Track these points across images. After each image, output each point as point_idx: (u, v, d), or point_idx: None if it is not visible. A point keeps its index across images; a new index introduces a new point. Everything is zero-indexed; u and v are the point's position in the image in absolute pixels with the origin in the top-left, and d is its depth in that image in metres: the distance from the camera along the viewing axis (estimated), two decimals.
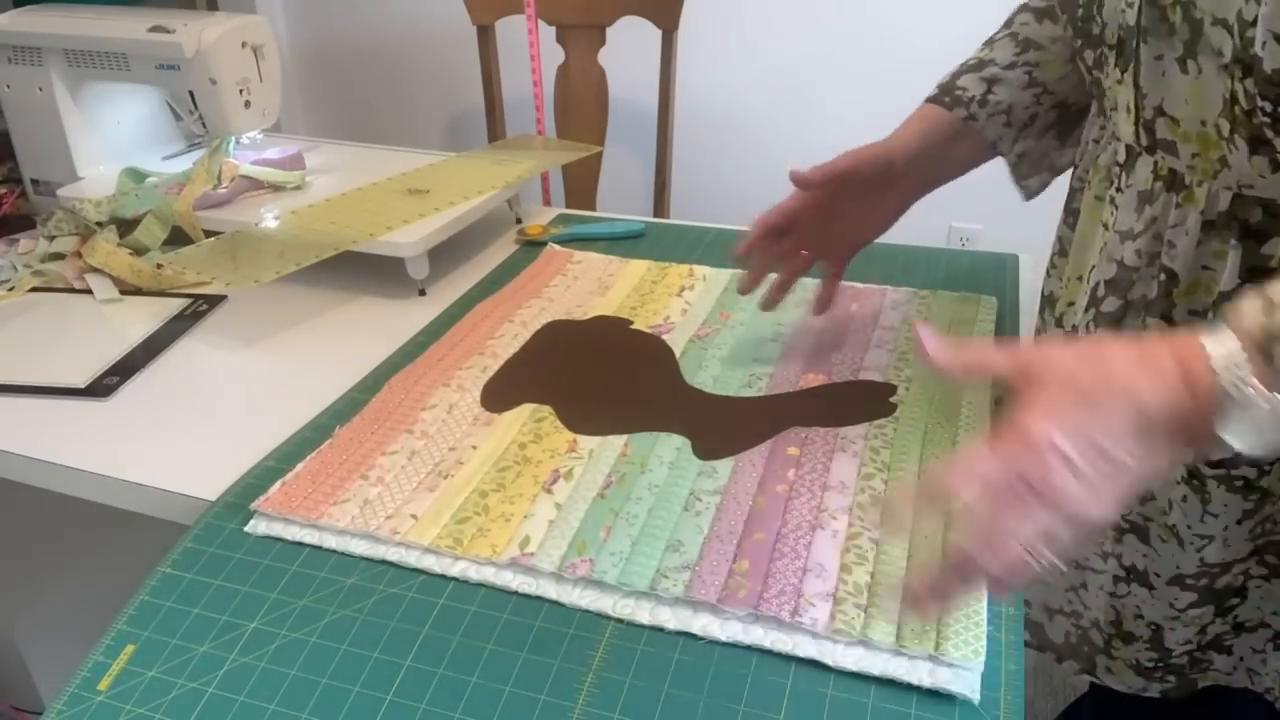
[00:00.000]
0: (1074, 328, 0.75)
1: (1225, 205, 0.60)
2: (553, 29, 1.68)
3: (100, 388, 0.84)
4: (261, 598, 0.62)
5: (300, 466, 0.72)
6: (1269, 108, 0.53)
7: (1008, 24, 0.84)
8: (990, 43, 0.84)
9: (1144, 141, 0.64)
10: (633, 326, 0.92)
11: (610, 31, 1.66)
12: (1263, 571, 0.69)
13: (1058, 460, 0.45)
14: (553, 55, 1.69)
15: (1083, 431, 0.45)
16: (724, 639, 0.57)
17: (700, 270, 1.03)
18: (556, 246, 1.11)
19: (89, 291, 1.01)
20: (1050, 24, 0.81)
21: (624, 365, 0.86)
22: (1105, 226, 0.70)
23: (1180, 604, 0.72)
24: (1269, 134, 0.54)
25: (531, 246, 1.12)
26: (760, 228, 0.81)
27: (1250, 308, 0.46)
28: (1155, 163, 0.64)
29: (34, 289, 1.03)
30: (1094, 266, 0.71)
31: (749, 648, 0.57)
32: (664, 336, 0.90)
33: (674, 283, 1.00)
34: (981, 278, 0.99)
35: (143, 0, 1.55)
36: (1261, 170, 0.57)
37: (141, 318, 0.96)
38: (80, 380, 0.85)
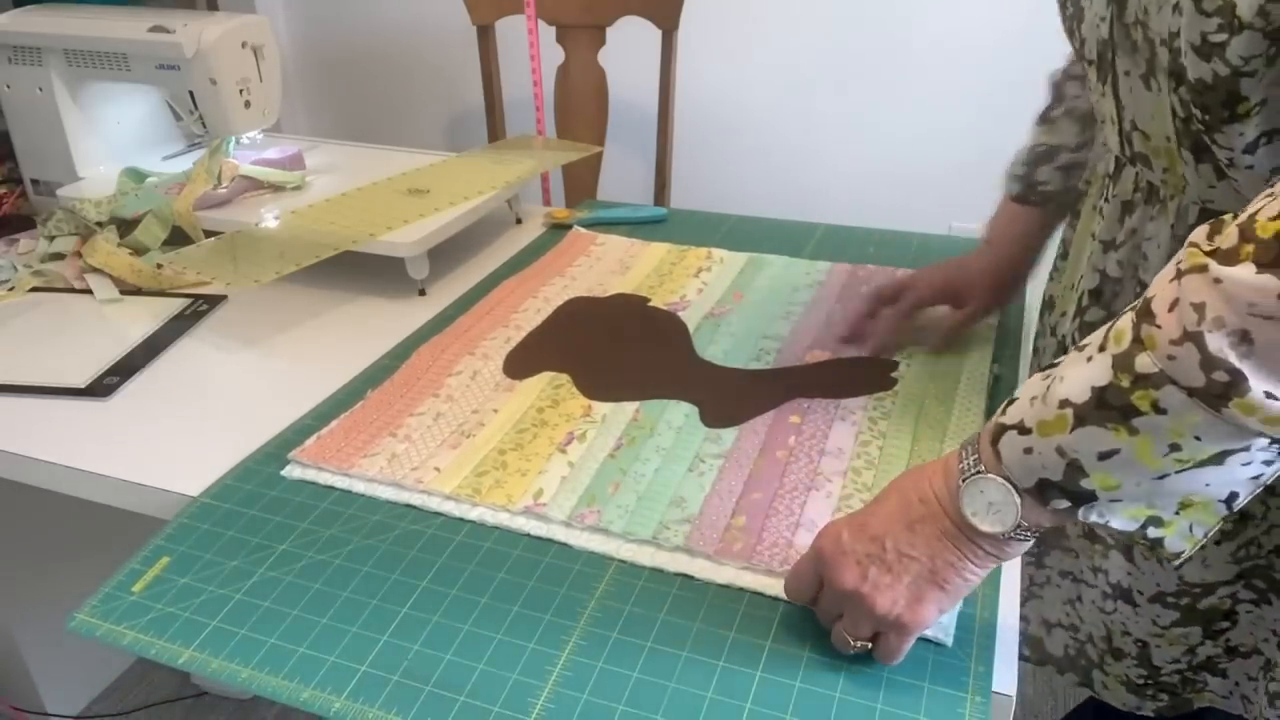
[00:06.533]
0: (1064, 338, 0.75)
1: (1193, 219, 0.60)
2: (553, 29, 1.68)
3: (100, 388, 0.84)
4: (292, 526, 0.67)
5: (334, 424, 0.76)
6: (1199, 115, 0.54)
7: (1058, 98, 0.80)
8: (1048, 121, 0.81)
9: (1127, 152, 0.64)
10: (650, 304, 0.96)
11: (610, 31, 1.66)
12: (1251, 596, 0.68)
13: (846, 561, 0.53)
14: (553, 55, 1.69)
15: (860, 531, 0.54)
16: (720, 582, 0.61)
17: (718, 253, 1.06)
18: (582, 229, 1.14)
19: (89, 291, 1.01)
20: None
21: (639, 338, 0.89)
22: (1092, 236, 0.70)
23: (1163, 621, 0.71)
24: (1207, 140, 0.56)
25: (558, 230, 1.16)
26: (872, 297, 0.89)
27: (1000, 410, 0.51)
28: (1136, 174, 0.65)
29: (34, 289, 1.03)
30: (1082, 276, 0.71)
31: (742, 589, 0.61)
32: (679, 313, 0.93)
33: (692, 264, 1.04)
34: None
35: (143, 0, 1.55)
36: (1210, 180, 0.58)
37: (141, 318, 0.96)
38: (80, 380, 0.85)
